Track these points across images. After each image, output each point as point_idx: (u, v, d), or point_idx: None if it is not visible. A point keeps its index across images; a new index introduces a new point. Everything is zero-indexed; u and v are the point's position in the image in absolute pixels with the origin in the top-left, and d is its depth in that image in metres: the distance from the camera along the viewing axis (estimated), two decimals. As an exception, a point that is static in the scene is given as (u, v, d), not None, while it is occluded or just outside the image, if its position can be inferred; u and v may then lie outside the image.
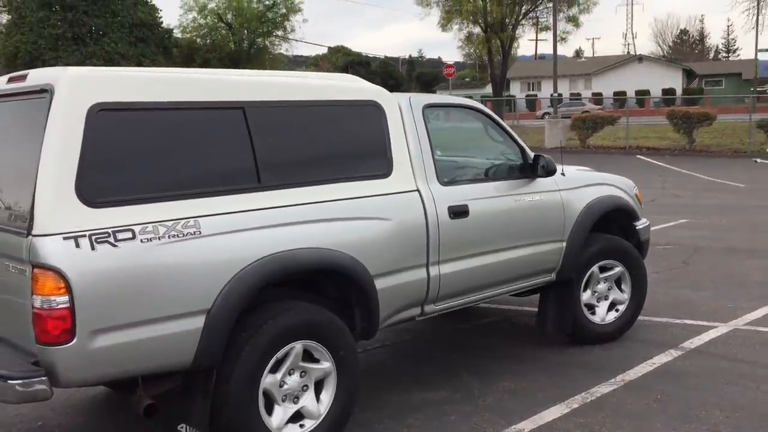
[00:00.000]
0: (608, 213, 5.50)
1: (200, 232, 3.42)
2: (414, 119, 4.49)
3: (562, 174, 5.27)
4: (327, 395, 3.93)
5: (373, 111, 4.30)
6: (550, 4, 34.78)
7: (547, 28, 37.23)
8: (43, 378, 3.08)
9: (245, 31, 37.92)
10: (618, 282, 5.65)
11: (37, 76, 3.48)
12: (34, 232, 3.09)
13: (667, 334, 5.80)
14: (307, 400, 3.86)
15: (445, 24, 35.86)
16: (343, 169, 4.11)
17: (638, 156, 22.80)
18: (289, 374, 3.79)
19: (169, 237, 3.33)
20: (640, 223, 5.89)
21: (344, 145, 4.19)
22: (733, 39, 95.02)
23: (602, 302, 5.60)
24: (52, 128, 3.18)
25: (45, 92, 3.29)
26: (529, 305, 6.44)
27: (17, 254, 3.17)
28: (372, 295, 4.06)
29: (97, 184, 3.23)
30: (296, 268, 3.74)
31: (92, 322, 3.13)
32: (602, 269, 5.54)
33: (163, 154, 3.48)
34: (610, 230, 5.67)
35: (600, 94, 53.12)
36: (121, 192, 3.30)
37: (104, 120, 3.28)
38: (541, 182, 5.09)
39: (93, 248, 3.13)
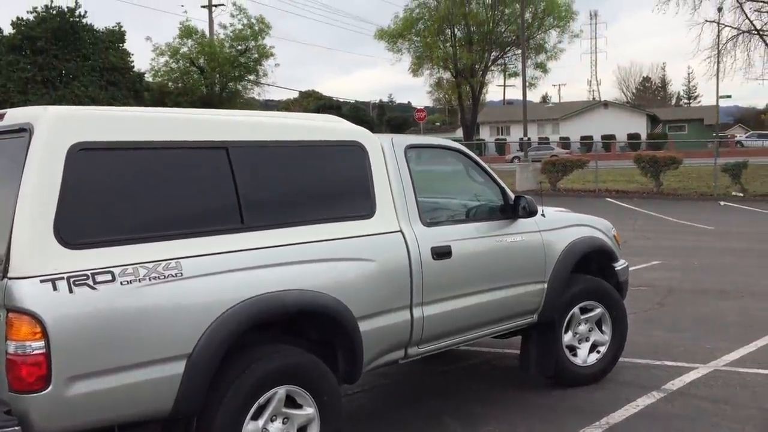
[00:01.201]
0: (588, 254, 5.51)
1: (182, 273, 3.34)
2: (396, 160, 4.47)
3: (542, 215, 5.28)
4: (310, 442, 3.81)
5: (356, 151, 4.28)
6: (519, 51, 35.52)
7: (515, 74, 37.92)
8: (16, 428, 2.93)
9: (217, 75, 38.01)
10: (599, 323, 5.63)
11: (15, 115, 3.40)
12: (9, 274, 2.98)
13: (648, 375, 5.78)
14: (290, 448, 3.74)
15: (416, 69, 36.39)
16: (326, 210, 4.07)
17: (608, 198, 23.09)
18: (272, 421, 3.67)
19: (149, 279, 3.24)
20: (619, 264, 5.91)
21: (327, 186, 4.16)
22: (693, 86, 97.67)
23: (583, 344, 5.57)
24: (31, 168, 3.10)
25: (24, 131, 3.21)
26: (509, 347, 6.39)
27: (-9, 298, 3.05)
28: (356, 337, 3.98)
29: (76, 225, 3.14)
30: (280, 310, 3.66)
31: (69, 368, 3.00)
32: (583, 310, 5.52)
33: (144, 194, 3.41)
34: (590, 271, 5.67)
35: (567, 139, 54.03)
36: (100, 233, 3.21)
37: (84, 160, 3.20)
38: (522, 223, 5.09)
39: (71, 291, 3.03)
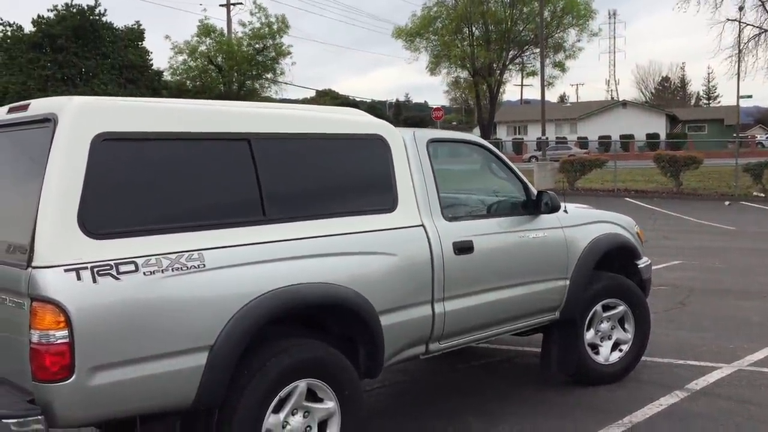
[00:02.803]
0: (611, 251, 5.45)
1: (204, 265, 3.33)
2: (419, 154, 4.44)
3: (565, 211, 5.22)
4: (331, 437, 3.79)
5: (378, 145, 4.26)
6: (537, 50, 35.35)
7: (533, 73, 37.75)
8: (39, 417, 2.94)
9: (235, 74, 38.12)
10: (621, 321, 5.56)
11: (39, 106, 3.41)
12: (34, 264, 2.99)
13: (671, 374, 5.71)
14: (311, 442, 3.72)
15: (433, 68, 36.31)
16: (348, 203, 4.05)
17: (626, 198, 22.91)
18: (292, 414, 3.65)
19: (172, 270, 3.23)
20: (642, 262, 5.84)
21: (349, 179, 4.13)
22: (713, 86, 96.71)
23: (606, 342, 5.51)
24: (55, 158, 3.10)
25: (48, 121, 3.21)
26: (529, 345, 6.35)
27: (16, 287, 3.05)
28: (377, 332, 3.95)
29: (99, 215, 3.13)
30: (302, 303, 3.64)
31: (92, 358, 3.00)
32: (605, 308, 5.46)
33: (167, 185, 3.40)
34: (612, 268, 5.61)
35: (585, 138, 53.72)
36: (124, 223, 3.20)
37: (108, 150, 3.20)
38: (545, 219, 5.04)
39: (94, 281, 3.02)
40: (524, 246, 4.87)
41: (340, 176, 4.08)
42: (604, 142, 47.48)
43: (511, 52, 35.30)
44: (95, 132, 3.18)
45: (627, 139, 51.34)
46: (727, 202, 21.44)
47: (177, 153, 3.46)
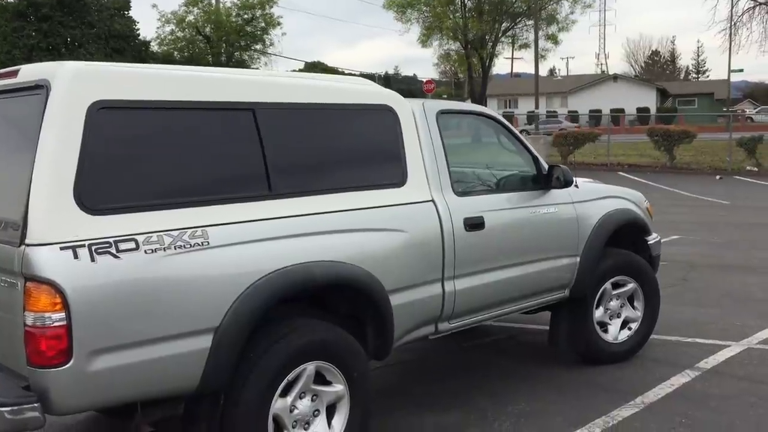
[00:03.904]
0: (621, 227, 5.29)
1: (208, 242, 3.14)
2: (428, 125, 4.25)
3: (576, 186, 5.05)
4: (339, 421, 3.64)
5: (386, 116, 4.06)
6: (530, 22, 34.97)
7: (526, 46, 37.32)
8: (35, 404, 2.76)
9: (224, 45, 37.49)
10: (631, 299, 5.43)
11: (30, 72, 3.18)
12: (27, 241, 2.79)
13: (679, 353, 5.59)
14: (319, 426, 3.57)
15: (425, 40, 35.77)
16: (356, 177, 3.86)
17: (620, 172, 22.79)
18: (300, 398, 3.49)
19: (175, 248, 3.04)
20: (652, 238, 5.70)
21: (358, 152, 3.94)
22: (703, 60, 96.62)
23: (615, 320, 5.38)
24: (49, 127, 2.89)
25: (40, 88, 3.00)
26: (533, 323, 6.22)
27: (8, 266, 2.85)
28: (387, 312, 3.79)
29: (97, 189, 2.93)
30: (309, 282, 3.46)
31: (91, 341, 2.82)
32: (615, 285, 5.32)
33: (167, 157, 3.20)
34: (621, 244, 5.46)
35: (576, 112, 53.51)
36: (123, 198, 3.01)
37: (105, 119, 2.99)
38: (556, 194, 4.87)
39: (93, 259, 2.83)
40: (535, 222, 4.70)
41: (348, 149, 3.89)
42: (595, 115, 47.31)
43: (503, 24, 34.87)
44: (91, 100, 2.97)
45: (618, 113, 51.22)
46: (718, 177, 21.38)
47: (178, 123, 3.25)
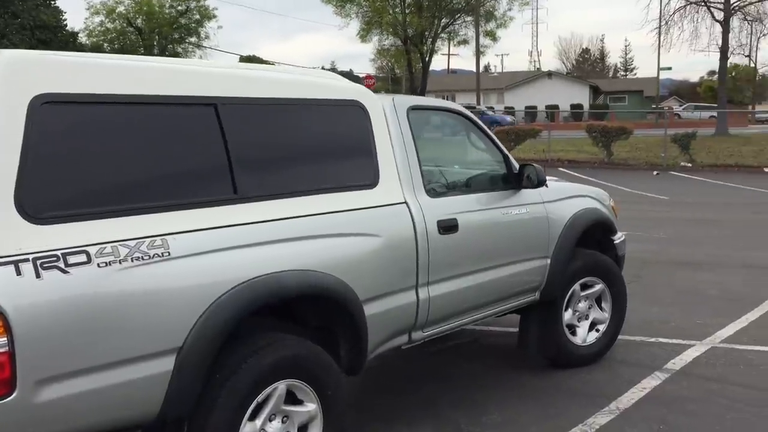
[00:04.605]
0: (590, 227, 5.15)
1: (169, 253, 2.81)
2: (399, 122, 4.00)
3: (545, 185, 4.88)
4: (312, 442, 3.36)
5: (356, 112, 3.79)
6: (469, 18, 35.08)
7: (465, 42, 37.45)
8: (-27, 445, 2.40)
9: (156, 37, 36.45)
10: (598, 300, 5.31)
11: (-40, 61, 2.78)
12: (-40, 256, 2.41)
13: (645, 354, 5.51)
14: (291, 450, 3.28)
15: (364, 35, 35.54)
16: (326, 179, 3.57)
17: (560, 168, 23.02)
18: (270, 420, 3.20)
19: (131, 260, 2.70)
20: (617, 237, 5.59)
21: (327, 151, 3.65)
22: (630, 58, 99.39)
23: (583, 322, 5.25)
24: (-16, 124, 2.51)
25: (-27, 80, 2.61)
26: (495, 325, 6.05)
27: (-62, 285, 2.47)
28: (361, 323, 3.53)
29: (41, 196, 2.57)
30: (282, 294, 3.17)
31: (38, 369, 2.46)
32: (583, 287, 5.19)
33: (121, 158, 2.85)
34: (587, 244, 5.32)
35: (512, 108, 54.12)
36: (71, 205, 2.65)
37: (50, 115, 2.63)
38: (526, 194, 4.69)
39: (38, 276, 2.47)
40: (508, 224, 4.51)
41: (317, 148, 3.60)
42: (531, 112, 47.95)
43: (443, 20, 34.90)
44: (33, 93, 2.60)
45: (552, 109, 52.05)
46: (655, 172, 21.82)
47: (133, 120, 2.90)
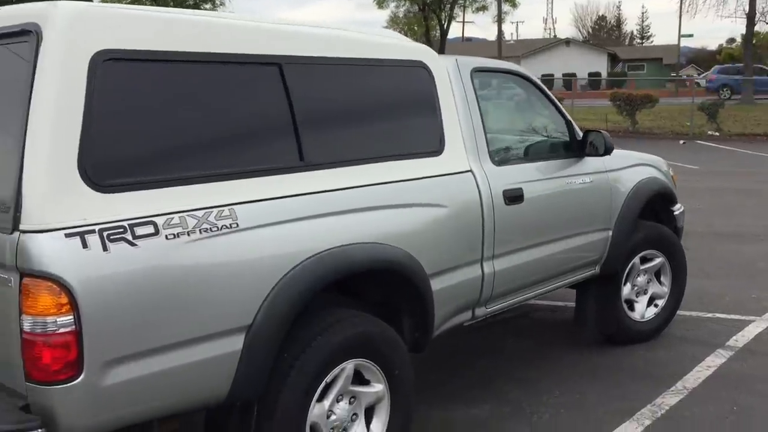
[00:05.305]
0: (652, 198, 4.90)
1: (237, 224, 2.60)
2: (463, 85, 3.75)
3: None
4: (378, 424, 3.18)
5: (421, 74, 3.54)
6: (488, -17, 34.41)
7: (483, 8, 36.81)
8: (39, 431, 2.21)
9: (171, 3, 36.00)
10: (657, 274, 5.08)
11: (11, 14, 2.55)
12: (22, 226, 2.22)
13: (705, 330, 5.29)
14: (357, 432, 3.10)
15: (381, 2, 34.98)
16: (392, 145, 3.34)
17: (584, 138, 22.64)
18: (337, 401, 3.01)
19: (200, 232, 2.50)
20: (677, 208, 5.34)
21: (393, 116, 3.42)
22: (647, 25, 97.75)
23: (641, 297, 5.02)
24: (43, 85, 2.30)
25: (27, 35, 2.39)
26: (545, 299, 5.82)
27: (-2, 257, 2.28)
28: (428, 298, 3.32)
29: (106, 161, 2.37)
30: (354, 267, 2.97)
31: (105, 350, 2.28)
32: (643, 260, 4.95)
33: (185, 121, 2.63)
34: (645, 215, 5.08)
35: (532, 77, 53.14)
36: (136, 171, 2.44)
37: (113, 73, 2.41)
38: (590, 162, 4.44)
39: (105, 248, 2.27)
40: (572, 194, 4.28)
41: (383, 113, 3.37)
42: (547, 80, 47.21)
43: (462, -15, 34.34)
44: (95, 49, 2.38)
45: (570, 77, 51.21)
46: (682, 141, 21.39)
47: (198, 80, 2.68)
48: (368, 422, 3.15)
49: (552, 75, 51.83)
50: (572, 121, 4.43)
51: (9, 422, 2.21)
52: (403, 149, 3.37)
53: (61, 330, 2.19)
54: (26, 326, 2.21)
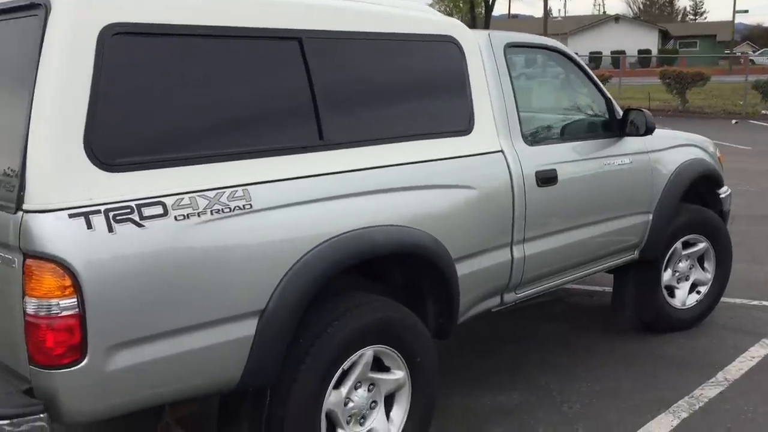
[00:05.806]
0: (696, 180, 4.68)
1: (251, 205, 2.51)
2: (495, 61, 3.58)
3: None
4: (399, 412, 3.08)
5: (450, 50, 3.39)
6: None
7: (530, -16, 35.98)
8: (41, 415, 2.16)
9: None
10: (701, 259, 4.86)
11: (20, -13, 2.48)
12: (26, 206, 2.15)
13: (750, 318, 5.06)
14: (377, 421, 3.01)
15: (425, -24, 34.52)
16: (418, 123, 3.21)
17: (630, 116, 22.08)
18: (356, 388, 2.92)
19: (211, 213, 2.41)
20: (723, 191, 5.10)
21: (419, 93, 3.27)
22: (700, 1, 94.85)
23: (683, 283, 4.81)
24: (50, 59, 2.22)
25: (36, 8, 2.31)
26: (580, 283, 5.65)
27: (2, 238, 2.22)
28: (453, 283, 3.20)
29: (113, 139, 2.29)
30: (375, 251, 2.86)
31: (110, 333, 2.21)
32: (685, 245, 4.74)
33: (198, 98, 2.53)
34: (688, 198, 4.85)
35: (576, 54, 52.18)
36: (146, 149, 2.36)
37: (122, 47, 2.32)
38: (630, 142, 4.24)
39: (111, 230, 2.20)
40: (609, 175, 4.09)
41: (409, 90, 3.23)
42: (595, 58, 46.15)
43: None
44: (104, 23, 2.29)
45: (619, 55, 50.01)
46: (734, 121, 20.68)
47: (211, 55, 2.58)
48: (388, 410, 3.06)
49: (600, 53, 50.69)
50: (612, 99, 4.22)
51: (12, 406, 2.17)
52: (430, 128, 3.23)
53: (64, 313, 2.14)
54: (29, 309, 2.16)
